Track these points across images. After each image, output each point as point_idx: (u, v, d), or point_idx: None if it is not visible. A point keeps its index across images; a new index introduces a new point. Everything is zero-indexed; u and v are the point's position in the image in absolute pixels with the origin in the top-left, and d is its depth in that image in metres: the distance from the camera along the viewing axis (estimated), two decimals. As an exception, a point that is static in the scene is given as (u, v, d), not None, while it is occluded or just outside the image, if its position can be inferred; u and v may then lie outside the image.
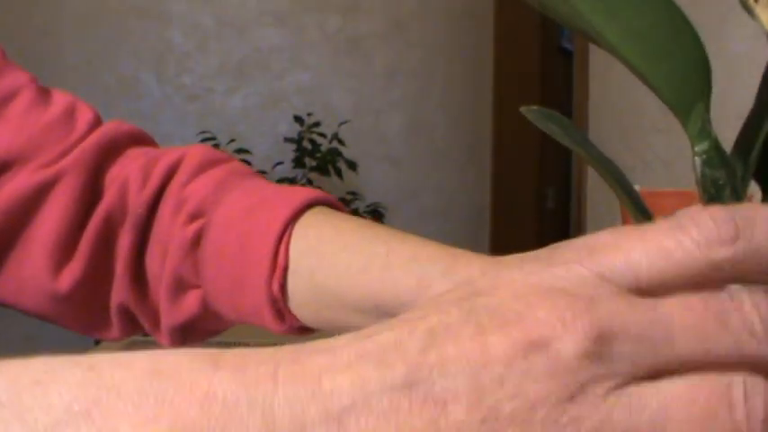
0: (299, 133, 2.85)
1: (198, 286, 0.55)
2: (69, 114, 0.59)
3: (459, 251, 0.47)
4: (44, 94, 0.60)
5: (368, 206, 2.88)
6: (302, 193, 0.53)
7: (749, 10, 0.33)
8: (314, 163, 2.83)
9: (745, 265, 0.24)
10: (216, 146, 2.78)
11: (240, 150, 2.82)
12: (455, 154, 3.19)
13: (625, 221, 1.59)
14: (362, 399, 0.22)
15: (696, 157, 0.33)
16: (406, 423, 0.22)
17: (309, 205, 0.52)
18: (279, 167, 2.87)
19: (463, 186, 3.21)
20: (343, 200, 2.84)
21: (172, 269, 0.54)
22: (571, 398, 0.22)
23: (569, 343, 0.23)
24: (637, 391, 0.23)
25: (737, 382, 0.23)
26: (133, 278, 0.57)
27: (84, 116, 0.59)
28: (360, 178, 2.98)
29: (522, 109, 0.37)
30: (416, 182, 3.14)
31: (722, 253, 0.24)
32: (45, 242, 0.56)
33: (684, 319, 0.23)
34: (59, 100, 0.60)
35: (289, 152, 2.87)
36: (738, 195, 0.33)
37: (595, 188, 2.45)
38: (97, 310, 0.58)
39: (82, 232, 0.57)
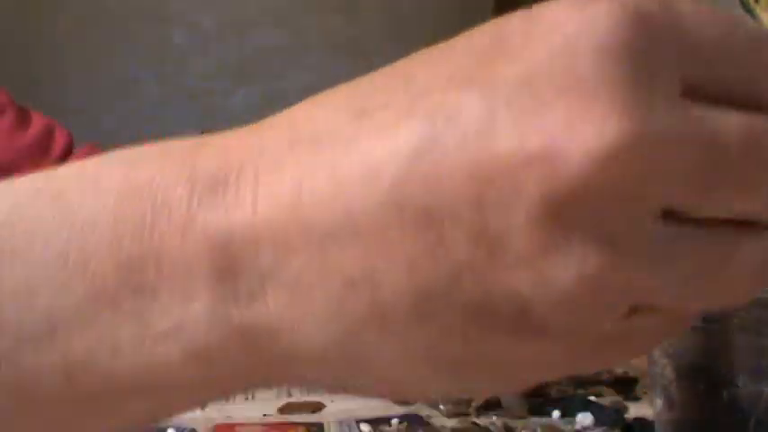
0: (299, 133, 2.85)
1: None
2: (47, 137, 0.67)
3: None
4: (24, 115, 0.67)
5: (368, 206, 2.88)
6: None
7: (749, 10, 0.33)
8: (314, 163, 2.83)
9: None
10: (216, 146, 2.78)
11: (240, 150, 2.82)
12: (455, 154, 3.19)
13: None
14: (350, 224, 0.19)
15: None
16: (400, 248, 0.19)
17: None
18: (279, 167, 2.87)
19: (463, 186, 3.21)
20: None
21: None
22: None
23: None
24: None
25: None
26: None
27: (60, 140, 0.68)
28: (360, 178, 2.98)
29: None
30: (416, 182, 3.14)
31: None
32: None
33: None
34: (37, 122, 0.67)
35: (289, 152, 2.86)
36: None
37: (595, 188, 2.45)
38: None
39: None
